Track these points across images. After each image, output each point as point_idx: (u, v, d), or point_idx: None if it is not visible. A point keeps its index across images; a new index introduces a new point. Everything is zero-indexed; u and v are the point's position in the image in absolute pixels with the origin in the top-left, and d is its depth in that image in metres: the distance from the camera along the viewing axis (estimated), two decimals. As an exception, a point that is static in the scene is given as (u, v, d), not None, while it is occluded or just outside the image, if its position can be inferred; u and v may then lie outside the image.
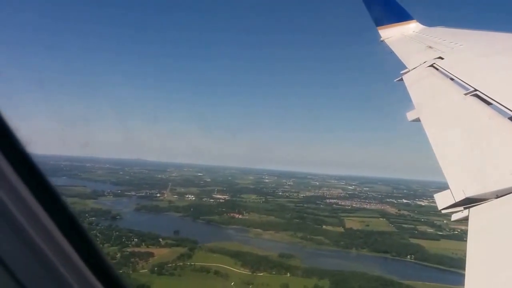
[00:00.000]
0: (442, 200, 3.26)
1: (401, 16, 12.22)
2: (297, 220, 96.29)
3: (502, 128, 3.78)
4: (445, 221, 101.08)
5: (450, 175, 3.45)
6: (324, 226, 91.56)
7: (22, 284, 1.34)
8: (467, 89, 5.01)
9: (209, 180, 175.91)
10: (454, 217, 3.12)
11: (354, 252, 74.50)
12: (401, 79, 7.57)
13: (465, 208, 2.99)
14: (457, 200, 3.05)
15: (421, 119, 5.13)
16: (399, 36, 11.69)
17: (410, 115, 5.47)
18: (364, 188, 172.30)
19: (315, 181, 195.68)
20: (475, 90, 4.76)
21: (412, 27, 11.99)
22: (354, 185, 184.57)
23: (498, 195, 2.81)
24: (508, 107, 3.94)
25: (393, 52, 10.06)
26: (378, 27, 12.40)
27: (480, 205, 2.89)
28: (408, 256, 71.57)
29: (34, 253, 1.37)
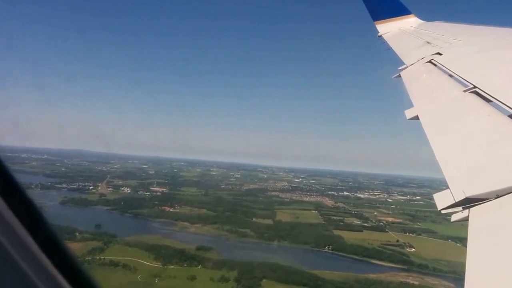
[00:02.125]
0: (441, 200, 3.24)
1: (399, 10, 12.36)
2: (229, 213, 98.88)
3: (502, 126, 3.82)
4: (375, 213, 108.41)
5: (449, 175, 3.45)
6: (254, 219, 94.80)
7: None
8: (466, 85, 5.06)
9: (152, 172, 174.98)
10: (454, 217, 3.11)
11: (275, 244, 78.18)
12: (399, 76, 7.61)
13: (465, 208, 2.99)
14: (457, 200, 3.04)
15: (420, 117, 5.17)
16: (397, 31, 11.75)
17: (409, 113, 5.49)
18: (311, 181, 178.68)
19: (264, 173, 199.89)
20: (475, 87, 4.82)
21: (410, 21, 12.11)
22: (302, 177, 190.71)
23: (498, 194, 2.81)
24: (508, 105, 3.99)
25: (391, 47, 10.14)
26: (375, 22, 12.52)
27: (480, 205, 2.89)
28: (326, 247, 76.14)
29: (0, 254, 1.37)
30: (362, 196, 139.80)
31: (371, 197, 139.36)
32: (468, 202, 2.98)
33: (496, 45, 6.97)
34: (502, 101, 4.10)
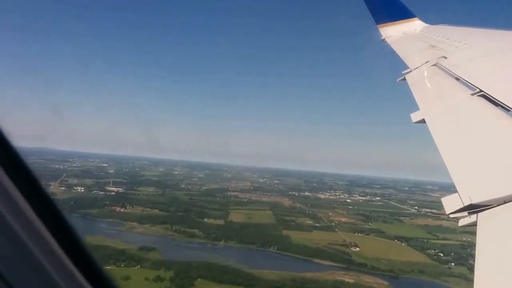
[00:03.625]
0: (449, 205, 3.26)
1: (403, 13, 12.32)
2: (181, 213, 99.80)
3: (511, 130, 3.85)
4: (330, 214, 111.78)
5: (458, 179, 3.45)
6: (206, 219, 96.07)
7: (8, 282, 1.39)
8: (473, 89, 5.07)
9: (112, 171, 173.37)
10: (462, 222, 3.14)
11: (221, 244, 79.80)
12: (404, 79, 7.70)
13: (472, 213, 3.00)
14: (465, 204, 3.05)
15: (426, 120, 5.18)
16: (401, 34, 11.77)
17: (415, 116, 5.51)
18: (275, 181, 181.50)
19: (229, 173, 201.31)
20: (481, 90, 4.84)
21: (414, 25, 12.09)
22: (266, 178, 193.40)
23: (506, 200, 2.81)
24: None
25: (395, 51, 10.17)
26: (378, 25, 12.52)
27: (488, 210, 2.89)
28: (272, 247, 78.35)
29: (20, 251, 1.42)
30: (322, 196, 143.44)
31: (331, 197, 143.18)
32: (476, 207, 2.99)
33: (501, 49, 7.00)
34: (509, 106, 4.13)
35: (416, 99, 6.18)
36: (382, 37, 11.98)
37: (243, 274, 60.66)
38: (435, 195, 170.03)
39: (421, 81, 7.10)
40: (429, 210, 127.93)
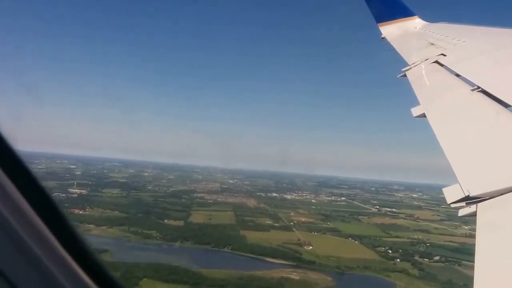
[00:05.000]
0: (450, 195, 3.36)
1: (403, 12, 12.63)
2: (141, 215, 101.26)
3: (511, 124, 3.98)
4: (291, 213, 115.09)
5: (459, 170, 3.58)
6: (166, 221, 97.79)
7: (11, 282, 1.42)
8: (472, 86, 5.21)
9: (79, 173, 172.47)
10: (461, 212, 3.22)
11: (177, 245, 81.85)
12: (404, 75, 7.94)
13: (471, 203, 3.09)
14: (466, 195, 3.15)
15: (427, 114, 5.32)
16: (401, 32, 12.10)
17: (415, 111, 5.66)
18: (245, 182, 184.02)
19: (200, 175, 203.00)
20: (480, 88, 4.98)
21: (414, 23, 12.38)
22: (238, 179, 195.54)
23: (505, 192, 2.91)
24: None
25: (394, 48, 10.48)
26: (378, 24, 12.79)
27: (487, 200, 2.96)
28: (226, 247, 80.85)
29: (23, 251, 1.45)
30: (288, 197, 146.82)
31: (297, 198, 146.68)
32: (476, 198, 3.08)
33: (500, 46, 7.21)
34: (509, 103, 4.24)
35: (416, 94, 6.42)
36: (382, 35, 12.30)
37: (191, 274, 62.90)
38: (399, 195, 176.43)
39: (421, 77, 7.31)
40: (389, 209, 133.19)
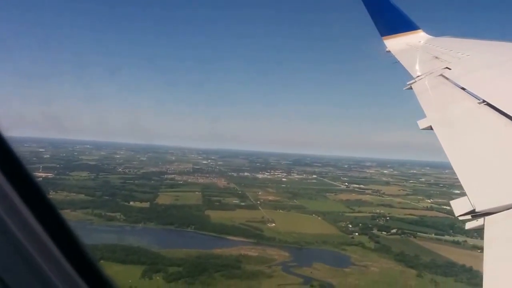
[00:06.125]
0: (458, 207, 3.38)
1: (407, 26, 12.82)
2: (107, 198, 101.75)
3: None
4: (259, 192, 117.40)
5: (467, 183, 3.60)
6: (131, 203, 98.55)
7: (7, 284, 1.44)
8: (477, 100, 5.28)
9: (47, 156, 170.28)
10: (469, 225, 3.25)
11: (140, 226, 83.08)
12: (410, 88, 8.08)
13: (478, 216, 3.11)
14: (474, 208, 3.16)
15: (433, 127, 5.38)
16: (405, 46, 12.25)
17: (422, 123, 5.72)
18: (219, 162, 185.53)
19: (173, 156, 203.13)
20: (485, 102, 5.03)
21: (418, 37, 12.60)
22: (211, 159, 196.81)
23: None
24: None
25: (399, 62, 10.63)
26: (383, 37, 12.96)
27: (495, 214, 2.97)
28: (189, 227, 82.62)
29: (19, 253, 1.47)
30: (260, 176, 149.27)
31: (268, 177, 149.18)
32: (484, 211, 3.08)
33: (505, 60, 7.31)
34: None
35: (422, 107, 6.50)
36: (387, 49, 12.48)
37: (149, 254, 64.44)
38: (370, 171, 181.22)
39: (427, 90, 7.41)
40: (357, 185, 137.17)
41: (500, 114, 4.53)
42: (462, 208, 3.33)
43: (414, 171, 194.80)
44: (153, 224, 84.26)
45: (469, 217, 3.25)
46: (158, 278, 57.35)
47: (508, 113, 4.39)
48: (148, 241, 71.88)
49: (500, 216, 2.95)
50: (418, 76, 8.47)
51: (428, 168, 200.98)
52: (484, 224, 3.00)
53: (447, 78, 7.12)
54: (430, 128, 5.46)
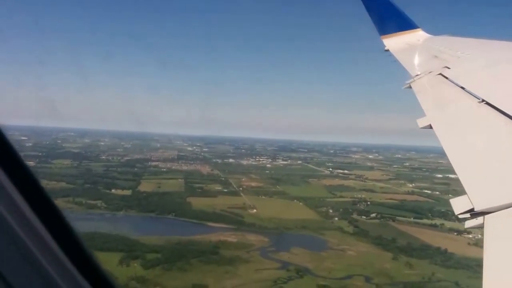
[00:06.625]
0: (458, 206, 3.39)
1: (406, 24, 12.75)
2: (88, 185, 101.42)
3: None
4: (243, 179, 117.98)
5: (467, 182, 3.62)
6: (113, 190, 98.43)
7: (8, 282, 1.45)
8: (477, 99, 5.28)
9: (30, 144, 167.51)
10: (468, 224, 3.28)
11: (121, 213, 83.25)
12: (409, 87, 8.07)
13: (476, 215, 3.12)
14: (474, 207, 3.17)
15: (433, 126, 5.39)
16: (404, 45, 12.20)
17: (421, 122, 5.74)
18: (204, 149, 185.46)
19: (158, 143, 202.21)
20: (485, 101, 5.04)
21: (417, 36, 12.52)
22: (197, 146, 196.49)
23: None
24: None
25: (398, 60, 10.66)
26: (382, 36, 12.84)
27: (495, 213, 2.97)
28: (170, 214, 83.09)
29: (20, 251, 1.49)
30: (244, 163, 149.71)
31: (253, 163, 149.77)
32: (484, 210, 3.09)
33: (504, 59, 7.32)
34: None
35: (422, 106, 6.52)
36: (386, 48, 12.41)
37: (127, 241, 64.80)
38: (355, 156, 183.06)
39: (426, 90, 7.43)
40: (341, 171, 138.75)
41: (499, 113, 4.53)
42: (462, 207, 3.33)
43: (399, 156, 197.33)
44: (134, 212, 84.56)
45: (469, 216, 3.25)
46: (135, 265, 57.89)
47: (507, 113, 4.41)
48: (128, 228, 72.10)
49: (500, 214, 2.95)
50: (417, 75, 8.54)
51: (413, 152, 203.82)
52: (484, 223, 2.99)
53: (446, 77, 7.11)
54: (430, 127, 5.47)
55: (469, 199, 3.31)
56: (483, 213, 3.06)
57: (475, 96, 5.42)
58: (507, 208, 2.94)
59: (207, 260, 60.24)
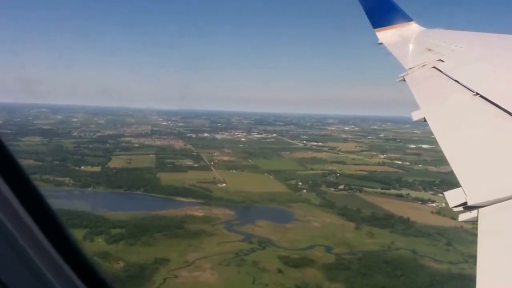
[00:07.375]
0: (452, 199, 3.40)
1: (400, 17, 12.66)
2: (57, 162, 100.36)
3: None
4: (215, 153, 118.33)
5: (462, 175, 3.63)
6: (82, 167, 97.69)
7: (3, 283, 1.47)
8: (471, 92, 5.32)
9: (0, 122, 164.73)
10: (462, 217, 3.26)
11: (89, 190, 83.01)
12: (403, 80, 8.08)
13: (471, 208, 3.12)
14: (467, 200, 3.18)
15: (427, 118, 5.42)
16: (397, 38, 12.13)
17: (416, 115, 5.75)
18: (179, 124, 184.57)
19: (133, 118, 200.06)
20: (479, 94, 5.08)
21: (411, 29, 12.47)
22: (172, 121, 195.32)
23: (507, 198, 2.94)
24: None
25: (391, 53, 10.61)
26: (375, 29, 12.76)
27: (489, 206, 2.98)
28: (139, 190, 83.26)
29: (18, 254, 1.51)
30: (219, 137, 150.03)
31: (227, 137, 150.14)
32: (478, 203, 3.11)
33: (498, 52, 7.37)
34: (507, 109, 4.30)
35: (416, 98, 6.53)
36: (379, 41, 12.38)
37: (92, 217, 64.87)
38: (331, 128, 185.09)
39: (420, 83, 7.45)
40: (315, 143, 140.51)
41: (494, 106, 4.56)
42: (456, 200, 3.32)
43: (375, 127, 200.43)
44: (102, 188, 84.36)
45: (462, 209, 3.24)
46: (99, 240, 58.25)
47: (501, 106, 4.43)
48: (94, 204, 72.16)
49: (494, 208, 2.96)
50: (411, 68, 8.55)
51: (389, 123, 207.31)
52: (478, 216, 3.00)
53: (440, 71, 7.15)
54: (424, 120, 5.50)
55: (464, 192, 3.31)
56: (477, 207, 3.08)
57: (469, 89, 5.47)
58: (501, 202, 2.96)
59: (172, 235, 61.02)
